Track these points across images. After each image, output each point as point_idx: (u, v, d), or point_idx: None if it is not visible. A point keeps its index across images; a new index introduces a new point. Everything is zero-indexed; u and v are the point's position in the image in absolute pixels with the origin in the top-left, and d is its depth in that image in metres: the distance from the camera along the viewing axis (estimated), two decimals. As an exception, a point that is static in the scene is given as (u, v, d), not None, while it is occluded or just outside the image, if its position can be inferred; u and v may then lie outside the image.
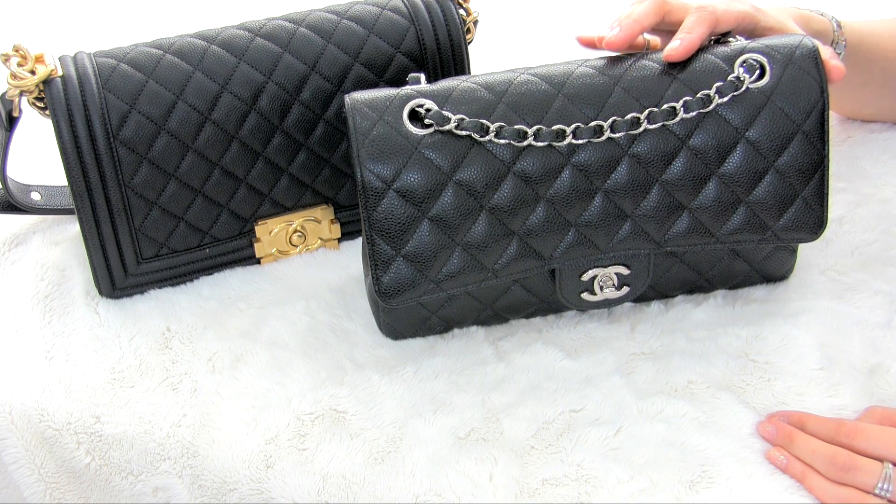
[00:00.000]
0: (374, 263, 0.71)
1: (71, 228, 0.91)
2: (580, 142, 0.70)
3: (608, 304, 0.77)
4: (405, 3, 0.85)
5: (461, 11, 0.86)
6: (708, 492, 0.66)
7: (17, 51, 0.77)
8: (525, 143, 0.70)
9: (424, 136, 0.70)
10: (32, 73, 0.76)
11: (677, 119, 0.71)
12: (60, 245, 0.89)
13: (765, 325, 0.77)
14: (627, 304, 0.80)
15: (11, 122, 0.80)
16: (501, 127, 0.70)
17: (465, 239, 0.71)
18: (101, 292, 0.83)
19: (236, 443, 0.72)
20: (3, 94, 0.78)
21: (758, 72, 0.72)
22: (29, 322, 0.82)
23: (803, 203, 0.73)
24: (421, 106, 0.70)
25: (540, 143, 0.70)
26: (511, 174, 0.70)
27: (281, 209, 0.85)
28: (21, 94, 0.77)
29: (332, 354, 0.78)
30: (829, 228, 0.84)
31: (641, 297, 0.79)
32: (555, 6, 1.26)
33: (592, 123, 0.70)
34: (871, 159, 0.93)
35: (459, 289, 0.73)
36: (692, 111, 0.71)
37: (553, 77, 0.72)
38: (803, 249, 0.82)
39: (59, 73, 0.77)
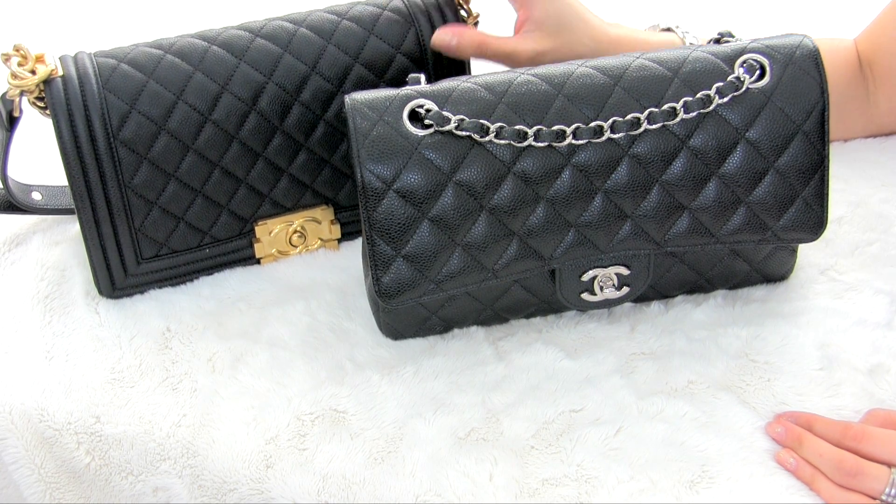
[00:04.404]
0: (374, 264, 0.71)
1: (71, 228, 0.91)
2: (580, 142, 0.70)
3: (608, 304, 0.77)
4: (405, 4, 0.85)
5: (462, 12, 0.86)
6: (708, 492, 0.66)
7: (17, 50, 0.77)
8: (525, 143, 0.70)
9: (424, 136, 0.70)
10: (33, 72, 0.76)
11: (677, 119, 0.71)
12: (60, 245, 0.89)
13: (765, 325, 0.77)
14: (627, 304, 0.80)
15: (12, 122, 0.80)
16: (501, 127, 0.69)
17: (465, 239, 0.71)
18: (100, 292, 0.83)
19: (236, 443, 0.72)
20: (4, 93, 0.78)
21: (758, 72, 0.72)
22: (29, 322, 0.82)
23: (803, 203, 0.74)
24: (421, 106, 0.70)
25: (540, 144, 0.70)
26: (511, 174, 0.70)
27: (281, 209, 0.85)
28: (22, 93, 0.77)
29: (332, 354, 0.78)
30: (829, 228, 0.84)
31: (641, 297, 0.79)
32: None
33: (592, 124, 0.70)
34: (871, 160, 0.93)
35: (459, 289, 0.73)
36: (692, 111, 0.71)
37: (553, 77, 0.72)
38: (803, 249, 0.82)
39: (60, 72, 0.77)
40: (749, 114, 0.71)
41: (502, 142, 0.70)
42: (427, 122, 0.70)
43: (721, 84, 0.71)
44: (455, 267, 0.72)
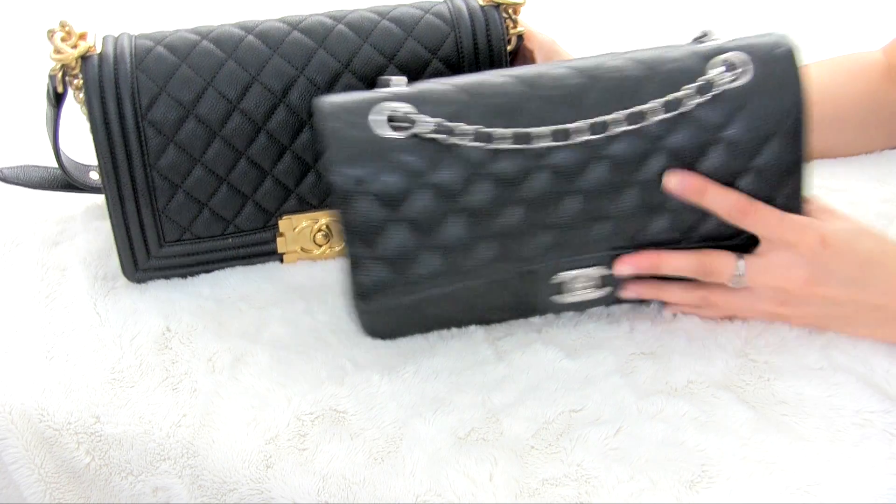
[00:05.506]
0: (350, 265, 0.71)
1: (71, 228, 0.91)
2: (557, 143, 0.69)
3: (591, 304, 0.77)
4: (449, 9, 0.84)
5: (508, 22, 0.85)
6: (708, 492, 0.66)
7: (62, 27, 0.78)
8: (500, 145, 0.69)
9: (398, 138, 0.69)
10: (75, 48, 0.78)
11: (655, 119, 0.70)
12: (60, 245, 0.89)
13: (765, 325, 0.77)
14: (626, 304, 0.80)
15: (58, 98, 0.81)
16: (476, 129, 0.69)
17: (441, 241, 0.70)
18: (124, 272, 0.84)
19: (236, 443, 0.72)
20: (50, 70, 0.79)
21: (736, 71, 0.71)
22: (29, 322, 0.82)
23: (782, 204, 0.73)
24: (395, 108, 0.70)
25: (515, 146, 0.69)
26: (486, 176, 0.70)
27: (307, 206, 0.85)
28: (63, 69, 0.78)
29: (332, 354, 0.78)
30: (829, 228, 0.84)
31: (625, 299, 0.78)
32: (557, 7, 1.27)
33: (569, 125, 0.69)
34: (871, 159, 0.93)
35: (437, 290, 0.73)
36: (670, 111, 0.70)
37: (529, 78, 0.71)
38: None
39: (98, 50, 0.78)
40: (727, 113, 0.71)
41: (477, 144, 0.69)
42: (401, 124, 0.69)
43: (699, 83, 0.70)
44: (431, 268, 0.71)
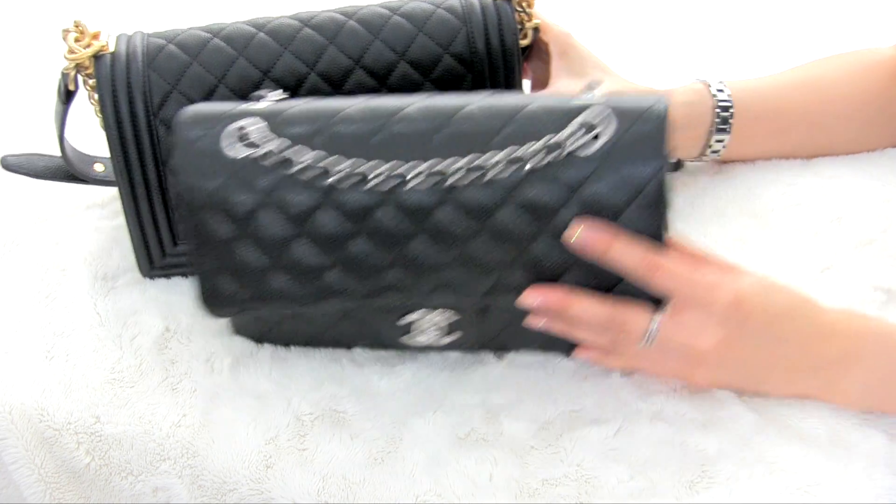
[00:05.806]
0: (197, 274, 0.70)
1: (72, 228, 0.91)
2: (401, 182, 0.67)
3: (438, 348, 0.75)
4: (461, 4, 0.83)
5: (523, 15, 0.84)
6: (708, 492, 0.66)
7: (76, 26, 0.79)
8: (343, 178, 0.67)
9: (246, 155, 0.68)
10: (88, 48, 0.78)
11: (507, 171, 0.66)
12: (60, 245, 0.89)
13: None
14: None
15: (69, 95, 0.82)
16: (319, 156, 0.67)
17: (288, 262, 0.69)
18: (140, 269, 0.84)
19: (236, 443, 0.72)
20: (63, 69, 0.80)
21: (599, 129, 0.66)
22: (29, 322, 0.82)
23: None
24: (248, 125, 0.68)
25: (351, 179, 0.67)
26: (327, 205, 0.68)
27: None
28: (77, 68, 0.79)
29: (332, 354, 0.78)
30: (828, 227, 0.84)
31: (484, 346, 0.76)
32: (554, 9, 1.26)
33: (417, 167, 0.67)
34: (872, 158, 0.93)
35: (288, 310, 0.72)
36: (522, 163, 0.66)
37: (385, 112, 0.68)
38: (803, 247, 0.82)
39: (111, 49, 0.79)
40: (584, 172, 0.66)
41: (319, 172, 0.67)
42: (250, 141, 0.68)
43: (558, 137, 0.66)
44: (279, 288, 0.70)
